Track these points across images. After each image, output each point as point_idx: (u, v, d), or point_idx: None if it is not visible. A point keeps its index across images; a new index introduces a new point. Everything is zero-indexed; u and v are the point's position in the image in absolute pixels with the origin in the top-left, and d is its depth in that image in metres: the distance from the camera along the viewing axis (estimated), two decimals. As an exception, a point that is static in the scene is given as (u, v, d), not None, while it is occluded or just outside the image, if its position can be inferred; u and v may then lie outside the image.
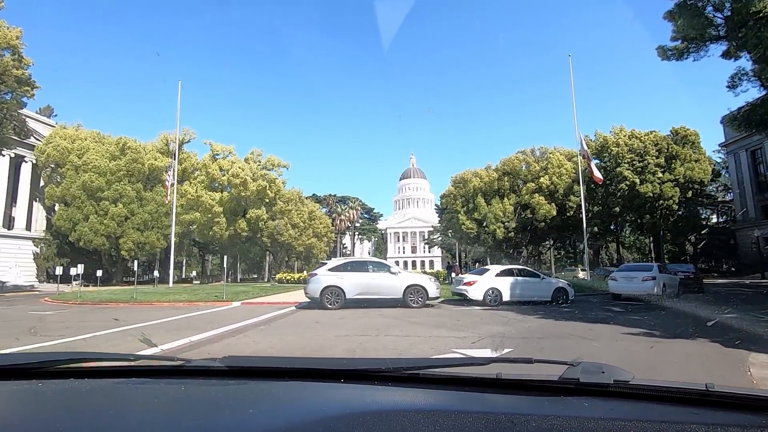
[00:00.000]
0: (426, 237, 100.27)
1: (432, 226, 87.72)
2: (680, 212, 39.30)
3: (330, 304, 12.66)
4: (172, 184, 34.26)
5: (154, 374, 1.24)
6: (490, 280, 13.17)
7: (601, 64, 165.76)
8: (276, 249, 48.68)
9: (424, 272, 67.02)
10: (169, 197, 35.24)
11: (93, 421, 0.85)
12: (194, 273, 58.05)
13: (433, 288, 13.12)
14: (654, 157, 37.04)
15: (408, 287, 13.04)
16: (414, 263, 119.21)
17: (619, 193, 38.00)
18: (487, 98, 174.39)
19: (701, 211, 51.00)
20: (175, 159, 36.49)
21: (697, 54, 15.72)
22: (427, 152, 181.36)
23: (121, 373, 1.26)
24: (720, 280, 34.24)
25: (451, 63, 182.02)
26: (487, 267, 15.71)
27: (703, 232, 46.03)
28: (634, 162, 37.57)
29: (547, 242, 53.65)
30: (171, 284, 32.72)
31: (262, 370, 1.18)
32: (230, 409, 0.89)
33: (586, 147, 26.61)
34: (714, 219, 53.71)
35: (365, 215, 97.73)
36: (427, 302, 12.97)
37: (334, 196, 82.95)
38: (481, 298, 12.93)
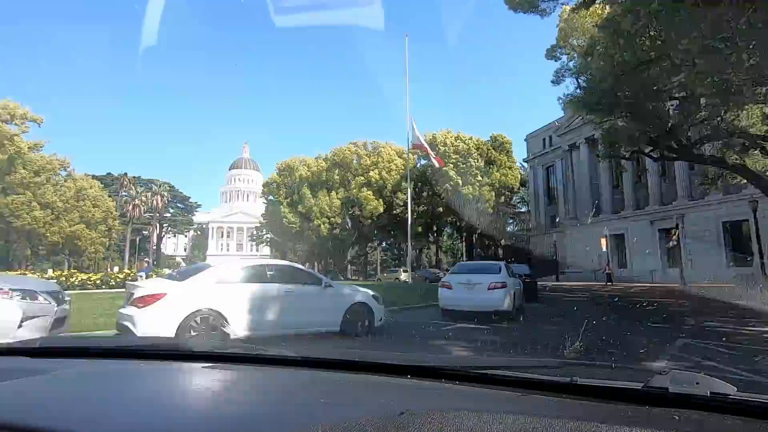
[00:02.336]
0: (255, 233, 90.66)
1: (260, 222, 79.22)
2: (492, 216, 41.27)
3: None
4: None
5: (235, 361, 1.29)
6: (199, 290, 5.86)
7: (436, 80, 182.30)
8: (13, 236, 34.06)
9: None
10: None
11: (180, 399, 0.97)
12: None
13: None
14: (476, 160, 37.67)
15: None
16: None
17: (443, 193, 37.49)
18: (334, 91, 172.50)
19: (507, 220, 55.95)
20: None
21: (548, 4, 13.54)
22: (264, 145, 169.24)
23: (208, 358, 1.30)
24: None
25: (298, 55, 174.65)
26: (204, 264, 8.67)
27: (508, 238, 50.12)
28: (458, 163, 37.55)
29: (374, 242, 51.73)
30: None
31: (334, 363, 1.22)
32: (302, 398, 0.93)
33: (418, 133, 23.77)
34: (513, 227, 60.43)
35: (179, 204, 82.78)
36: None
37: (135, 177, 66.97)
38: (164, 330, 5.36)
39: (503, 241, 47.53)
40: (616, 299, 15.14)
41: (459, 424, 0.71)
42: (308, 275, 7.25)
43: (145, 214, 66.55)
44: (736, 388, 0.79)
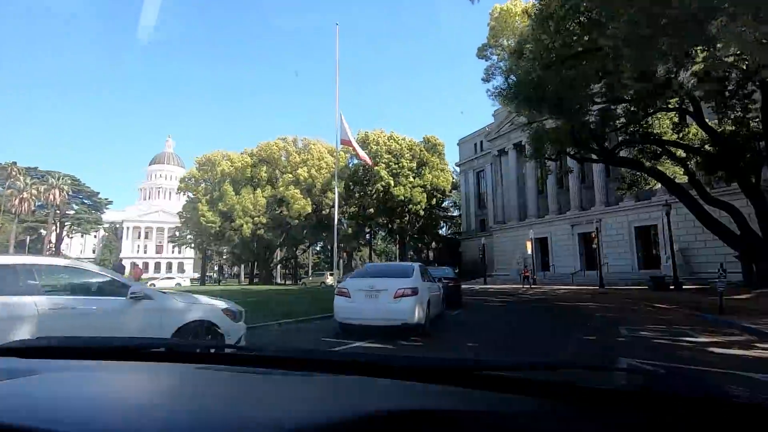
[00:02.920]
0: (177, 234, 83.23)
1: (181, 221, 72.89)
2: (425, 218, 40.77)
3: None
4: None
5: (232, 362, 1.29)
6: None
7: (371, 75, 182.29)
8: None
9: (171, 278, 52.13)
10: None
11: (171, 400, 0.94)
12: None
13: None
14: (408, 161, 36.92)
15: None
16: (158, 265, 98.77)
17: (374, 194, 36.27)
18: (263, 87, 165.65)
19: (439, 222, 56.19)
20: None
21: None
22: (191, 139, 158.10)
23: (202, 359, 1.31)
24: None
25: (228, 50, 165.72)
26: None
27: (440, 241, 50.17)
28: (390, 164, 36.57)
29: (304, 243, 49.28)
30: None
31: (334, 364, 1.22)
32: (295, 399, 0.93)
33: (348, 128, 22.15)
34: (444, 230, 60.97)
35: (85, 201, 73.64)
36: None
37: (29, 168, 58.17)
38: None
39: (434, 243, 47.52)
40: (538, 304, 14.65)
41: (452, 425, 0.73)
42: (106, 282, 4.52)
43: (41, 210, 58.28)
44: (719, 387, 0.83)
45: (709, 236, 25.07)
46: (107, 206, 78.43)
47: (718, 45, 11.64)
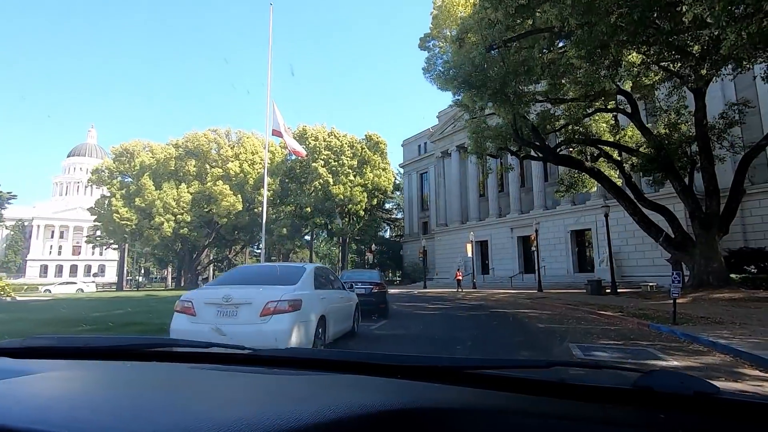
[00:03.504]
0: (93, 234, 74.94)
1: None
2: (366, 219, 39.07)
3: None
4: None
5: (226, 361, 1.29)
6: None
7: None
8: None
9: (73, 283, 46.39)
10: None
11: (163, 401, 0.91)
12: None
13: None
14: (349, 158, 35.12)
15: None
16: (75, 268, 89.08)
17: (312, 192, 34.09)
18: (197, 78, 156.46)
19: (382, 225, 54.87)
20: None
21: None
22: (120, 132, 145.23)
23: (196, 359, 1.30)
24: (392, 290, 34.76)
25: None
26: None
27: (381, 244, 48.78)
28: (330, 161, 34.58)
29: (237, 244, 45.75)
30: None
31: (326, 363, 1.23)
32: (288, 398, 0.92)
33: (280, 117, 19.83)
34: (387, 234, 59.76)
35: (-20, 194, 64.16)
36: None
37: None
38: None
39: (373, 246, 46.01)
40: (476, 312, 13.36)
41: (447, 423, 0.73)
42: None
43: None
44: (719, 388, 0.80)
45: (638, 240, 25.74)
46: (9, 201, 68.91)
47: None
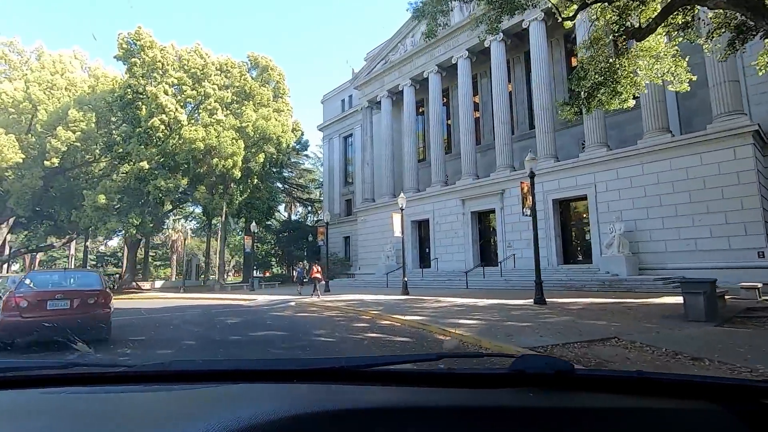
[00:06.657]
0: None
1: None
2: (252, 187, 26.31)
3: None
4: None
5: (93, 382, 1.10)
6: None
7: None
8: None
9: None
10: None
11: None
12: None
13: None
14: (218, 88, 22.46)
15: None
16: None
17: (153, 137, 21.07)
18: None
19: (293, 203, 42.47)
20: None
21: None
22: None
23: (54, 382, 1.08)
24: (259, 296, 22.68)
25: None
26: None
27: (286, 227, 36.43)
28: (184, 87, 21.71)
29: (21, 219, 31.07)
30: None
31: (210, 374, 1.13)
32: (173, 417, 0.85)
33: None
34: (311, 218, 47.42)
35: None
36: None
37: None
38: None
39: (270, 227, 33.58)
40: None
41: (345, 423, 0.75)
42: None
43: None
44: (573, 365, 0.94)
45: (669, 211, 15.72)
46: None
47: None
